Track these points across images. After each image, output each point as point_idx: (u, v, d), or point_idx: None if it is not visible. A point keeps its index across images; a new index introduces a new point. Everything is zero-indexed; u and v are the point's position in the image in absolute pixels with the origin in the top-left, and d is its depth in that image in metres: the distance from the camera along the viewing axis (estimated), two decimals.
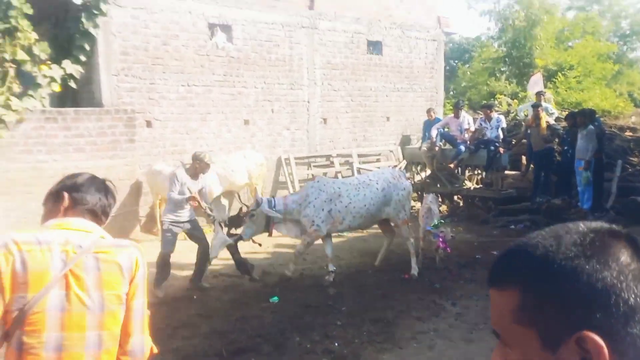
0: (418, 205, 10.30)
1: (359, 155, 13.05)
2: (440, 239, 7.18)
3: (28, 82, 9.05)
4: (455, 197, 11.42)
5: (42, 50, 9.19)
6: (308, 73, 12.21)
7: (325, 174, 11.93)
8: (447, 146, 11.25)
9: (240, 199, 7.72)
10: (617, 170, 10.42)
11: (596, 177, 9.64)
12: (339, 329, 5.52)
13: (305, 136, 12.28)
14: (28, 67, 9.00)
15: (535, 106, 10.71)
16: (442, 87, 15.23)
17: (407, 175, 11.86)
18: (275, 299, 6.36)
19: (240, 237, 6.94)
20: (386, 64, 13.62)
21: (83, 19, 9.33)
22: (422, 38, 14.31)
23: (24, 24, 8.92)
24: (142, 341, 2.03)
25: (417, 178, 11.99)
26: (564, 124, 11.25)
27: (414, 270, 7.05)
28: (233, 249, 6.93)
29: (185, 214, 6.59)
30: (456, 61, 27.83)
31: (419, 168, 12.17)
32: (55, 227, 1.97)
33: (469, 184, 11.17)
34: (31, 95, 8.95)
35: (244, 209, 7.01)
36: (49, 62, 9.28)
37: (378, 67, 13.48)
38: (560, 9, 22.81)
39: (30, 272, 1.84)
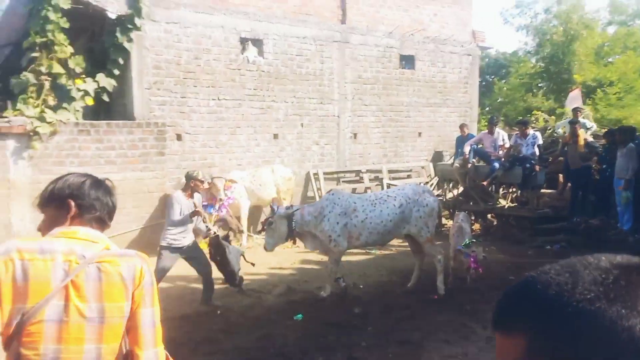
0: (449, 223, 10.03)
1: (389, 171, 12.85)
2: (472, 259, 6.92)
3: (63, 95, 9.22)
4: (489, 216, 11.10)
5: (77, 64, 9.37)
6: (339, 87, 12.14)
7: (354, 189, 11.79)
8: (481, 163, 10.96)
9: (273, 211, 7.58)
10: None
11: (636, 197, 9.23)
12: (363, 350, 5.33)
13: (334, 151, 12.17)
14: (63, 80, 9.18)
15: (573, 123, 10.36)
16: (477, 102, 14.94)
17: (437, 192, 11.61)
18: (299, 316, 6.21)
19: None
20: (419, 78, 13.45)
21: (117, 33, 9.49)
22: (456, 52, 14.09)
23: (61, 37, 9.12)
24: (156, 356, 1.92)
25: (449, 195, 11.71)
26: (602, 141, 10.84)
27: (440, 290, 6.80)
28: (207, 274, 6.67)
29: (186, 238, 6.31)
30: (492, 76, 27.43)
31: (450, 185, 11.88)
32: (61, 235, 1.89)
33: (503, 202, 10.83)
34: (65, 108, 9.11)
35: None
36: (84, 76, 9.45)
37: (410, 82, 13.31)
38: (600, 24, 22.25)
39: (31, 281, 1.77)
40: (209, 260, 6.68)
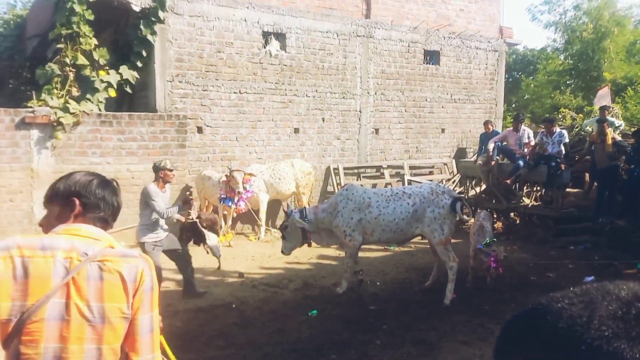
0: (471, 221, 9.87)
1: (411, 167, 12.71)
2: (492, 258, 6.78)
3: (86, 87, 9.31)
4: (512, 214, 10.88)
5: (101, 56, 9.46)
6: (361, 82, 12.03)
7: (375, 185, 11.69)
8: (505, 160, 10.74)
9: (289, 206, 7.57)
10: None
11: None
12: (378, 348, 5.25)
13: (355, 146, 12.08)
14: (87, 72, 9.27)
15: (601, 121, 10.07)
16: (502, 99, 14.67)
17: (459, 189, 11.43)
18: (314, 312, 6.16)
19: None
20: (443, 74, 13.26)
21: (141, 26, 9.55)
22: (482, 48, 13.85)
23: (85, 29, 9.21)
24: None
25: (471, 193, 11.52)
26: (631, 140, 10.53)
27: (446, 299, 6.40)
28: (185, 264, 6.63)
29: (163, 231, 6.21)
30: (519, 73, 26.94)
31: (473, 182, 11.69)
32: (63, 232, 1.87)
33: (527, 201, 10.61)
34: (88, 99, 9.21)
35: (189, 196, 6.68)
36: (107, 68, 9.53)
37: (434, 77, 13.13)
38: (632, 21, 21.61)
39: (31, 279, 1.73)
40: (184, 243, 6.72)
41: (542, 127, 10.96)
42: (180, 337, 5.31)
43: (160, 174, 6.07)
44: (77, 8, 9.10)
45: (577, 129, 13.17)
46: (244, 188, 9.02)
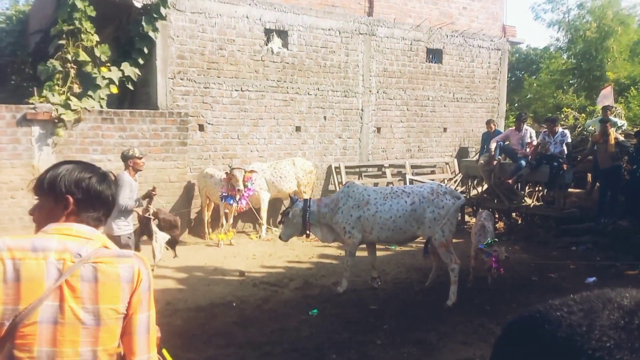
0: (472, 221, 9.85)
1: (413, 167, 12.68)
2: (493, 259, 6.75)
3: (88, 83, 9.29)
4: (513, 215, 10.85)
5: (103, 52, 9.43)
6: (363, 80, 12.00)
7: (376, 184, 11.66)
8: (507, 160, 10.70)
9: (296, 195, 7.57)
10: None
11: None
12: (378, 348, 5.23)
13: (357, 145, 12.05)
14: (89, 68, 9.25)
15: (604, 121, 10.03)
16: (505, 98, 14.62)
17: (461, 189, 11.39)
18: (314, 311, 6.14)
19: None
20: (446, 72, 13.22)
21: (143, 23, 9.52)
22: (485, 47, 13.80)
23: (87, 26, 9.19)
24: None
25: (473, 193, 11.49)
26: (633, 140, 10.48)
27: (449, 301, 6.35)
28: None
29: (131, 222, 6.02)
30: (522, 72, 26.87)
31: (475, 182, 11.65)
32: (55, 232, 1.81)
33: (529, 201, 10.57)
34: (90, 96, 9.19)
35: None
36: (109, 64, 9.51)
37: (437, 76, 13.09)
38: (636, 20, 21.52)
39: (23, 281, 1.69)
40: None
41: (545, 126, 10.92)
42: (179, 336, 5.30)
43: (130, 162, 5.89)
44: (79, 4, 9.07)
45: (579, 129, 13.12)
46: (245, 186, 9.00)
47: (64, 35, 9.16)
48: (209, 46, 10.21)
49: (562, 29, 21.41)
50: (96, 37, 9.40)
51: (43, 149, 8.73)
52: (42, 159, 8.71)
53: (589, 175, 10.91)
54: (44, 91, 8.90)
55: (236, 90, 10.51)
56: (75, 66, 9.20)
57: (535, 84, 23.03)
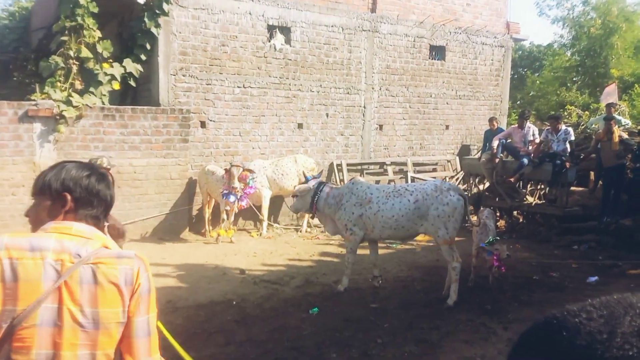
0: (474, 219, 9.80)
1: (415, 164, 12.65)
2: (495, 257, 6.73)
3: (90, 80, 9.28)
4: (515, 213, 10.81)
5: (105, 48, 9.41)
6: (366, 77, 11.96)
7: (378, 182, 11.63)
8: (509, 158, 10.66)
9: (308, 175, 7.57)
10: None
11: None
12: (379, 347, 5.22)
13: (359, 142, 12.02)
14: (91, 64, 9.23)
15: (608, 119, 9.98)
16: (508, 95, 14.56)
17: (463, 186, 11.35)
18: (315, 310, 6.13)
19: None
20: (448, 69, 13.16)
21: (145, 19, 9.49)
22: (488, 44, 13.74)
23: (90, 22, 9.17)
24: None
25: (475, 190, 11.45)
26: (637, 138, 10.43)
27: (450, 300, 6.29)
28: None
29: None
30: (525, 69, 26.78)
31: (477, 180, 11.62)
32: (53, 231, 1.78)
33: (531, 199, 10.53)
34: (92, 92, 9.18)
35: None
36: (111, 60, 9.49)
37: (440, 73, 13.04)
38: None
39: (20, 282, 1.66)
40: None
41: (548, 124, 10.87)
42: (180, 334, 5.29)
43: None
44: (82, 0, 9.05)
45: (582, 127, 13.07)
46: (247, 184, 8.99)
47: (66, 32, 9.14)
48: (212, 42, 10.19)
49: (566, 25, 21.31)
50: (98, 34, 9.38)
51: (45, 146, 8.72)
52: (44, 156, 8.70)
53: (592, 173, 10.87)
54: (46, 88, 8.88)
55: (238, 86, 10.49)
56: (77, 62, 9.18)
57: (538, 81, 22.95)
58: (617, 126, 10.01)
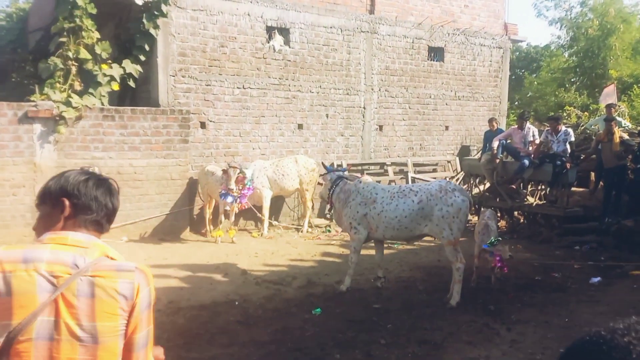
0: (475, 220, 9.80)
1: (415, 165, 12.65)
2: (497, 258, 6.71)
3: (89, 81, 9.25)
4: (516, 213, 10.81)
5: (104, 49, 9.38)
6: (365, 78, 11.95)
7: (378, 182, 11.61)
8: (509, 158, 10.66)
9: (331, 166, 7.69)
10: None
11: None
12: (382, 348, 5.19)
13: (359, 143, 12.01)
14: (90, 65, 9.20)
15: (609, 120, 9.98)
16: (506, 96, 14.58)
17: (463, 187, 11.34)
18: (318, 310, 6.10)
19: None
20: (447, 71, 13.17)
21: (144, 20, 9.48)
22: (486, 45, 13.76)
23: (88, 23, 9.15)
24: None
25: (475, 191, 11.45)
26: (638, 139, 10.43)
27: (453, 300, 6.27)
28: None
29: None
30: (522, 70, 26.83)
31: (477, 181, 11.61)
32: (49, 241, 1.73)
33: (531, 200, 10.53)
34: (91, 94, 9.15)
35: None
36: (110, 62, 9.46)
37: (438, 74, 13.05)
38: (639, 18, 21.47)
39: (14, 296, 1.60)
40: None
41: (547, 125, 10.88)
42: (182, 335, 5.27)
43: None
44: (80, 1, 9.02)
45: (582, 127, 13.09)
46: (245, 185, 8.97)
47: (64, 33, 9.11)
48: (211, 43, 10.17)
49: (564, 26, 21.36)
50: (97, 35, 9.35)
51: (44, 147, 8.69)
52: (44, 157, 8.67)
53: (592, 174, 10.87)
54: (45, 89, 8.85)
55: (238, 87, 10.47)
56: (76, 63, 9.15)
57: (535, 82, 22.99)
58: (617, 127, 10.02)
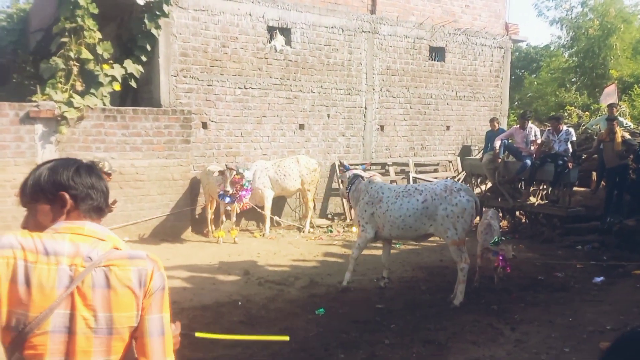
0: (477, 219, 9.78)
1: (416, 165, 12.64)
2: (500, 257, 6.71)
3: (90, 81, 9.24)
4: (518, 213, 10.80)
5: (105, 49, 9.37)
6: (366, 78, 11.94)
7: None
8: (511, 158, 10.65)
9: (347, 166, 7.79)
10: None
11: None
12: (386, 348, 5.18)
13: (360, 143, 12.01)
14: (91, 65, 9.19)
15: (611, 119, 9.97)
16: (507, 96, 14.58)
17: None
18: (321, 310, 6.09)
19: None
20: (448, 70, 13.17)
21: (145, 20, 9.46)
22: (487, 45, 13.76)
23: (90, 23, 9.13)
24: None
25: (477, 191, 11.43)
26: (639, 139, 10.43)
27: (457, 300, 6.26)
28: None
29: None
30: (522, 70, 26.83)
31: (479, 180, 11.61)
32: (66, 231, 1.71)
33: (533, 200, 10.52)
34: (93, 94, 9.13)
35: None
36: (111, 62, 9.45)
37: (440, 74, 13.04)
38: (639, 18, 21.48)
39: (34, 288, 1.59)
40: None
41: (547, 124, 10.87)
42: (186, 335, 5.25)
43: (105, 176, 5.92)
44: (81, 1, 9.01)
45: (583, 127, 13.09)
46: (242, 186, 8.96)
47: (66, 33, 9.10)
48: (212, 44, 10.16)
49: (564, 26, 21.36)
50: (98, 35, 9.34)
51: (46, 147, 8.67)
52: (46, 157, 8.63)
53: (594, 173, 10.86)
54: (47, 89, 8.84)
55: (239, 87, 10.46)
56: (77, 64, 9.14)
57: (535, 82, 22.99)
58: (619, 127, 10.01)
